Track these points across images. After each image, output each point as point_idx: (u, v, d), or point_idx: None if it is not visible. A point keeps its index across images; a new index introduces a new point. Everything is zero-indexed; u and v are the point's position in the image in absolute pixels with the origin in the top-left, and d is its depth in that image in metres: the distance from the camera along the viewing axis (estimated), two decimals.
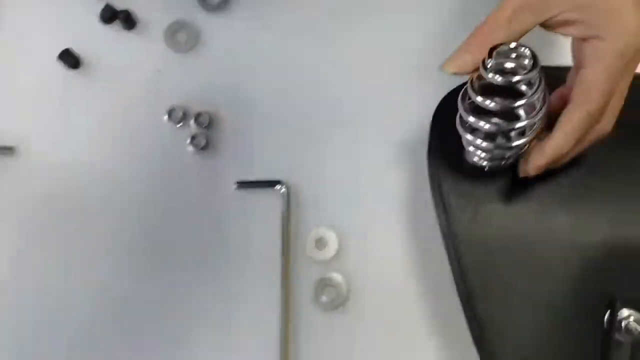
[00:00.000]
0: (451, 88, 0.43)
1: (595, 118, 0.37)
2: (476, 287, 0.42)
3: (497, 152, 0.40)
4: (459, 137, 0.41)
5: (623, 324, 0.41)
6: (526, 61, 0.35)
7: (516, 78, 0.35)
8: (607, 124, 0.39)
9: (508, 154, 0.40)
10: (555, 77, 0.40)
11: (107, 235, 0.48)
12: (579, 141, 0.38)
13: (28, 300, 0.47)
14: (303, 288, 0.47)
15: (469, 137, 0.39)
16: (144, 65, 0.51)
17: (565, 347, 0.42)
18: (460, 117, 0.39)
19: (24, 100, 0.50)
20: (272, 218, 0.48)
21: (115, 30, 0.51)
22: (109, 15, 0.50)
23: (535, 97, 0.36)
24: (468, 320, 0.42)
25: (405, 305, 0.47)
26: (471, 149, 0.41)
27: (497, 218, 0.43)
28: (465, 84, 0.38)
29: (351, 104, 0.51)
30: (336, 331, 0.46)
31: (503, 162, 0.42)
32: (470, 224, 0.42)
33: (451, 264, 0.42)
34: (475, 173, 0.44)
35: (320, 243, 0.48)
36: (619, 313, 0.41)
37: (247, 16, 0.52)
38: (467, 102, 0.38)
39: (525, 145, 0.39)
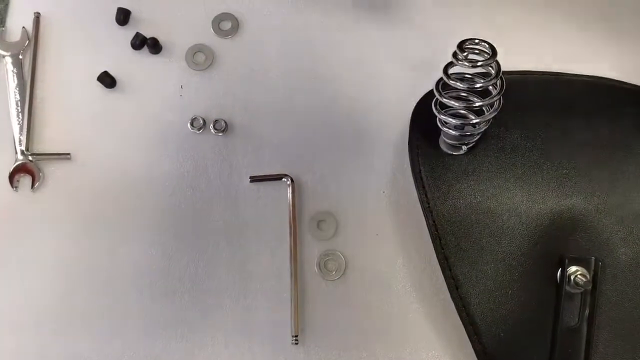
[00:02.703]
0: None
1: None
2: (451, 251, 0.45)
3: (467, 128, 0.44)
4: (433, 130, 0.47)
5: (572, 278, 0.44)
6: (487, 52, 0.42)
7: (480, 64, 0.41)
8: None
9: (476, 130, 0.45)
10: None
11: (144, 223, 0.51)
12: None
13: (80, 278, 0.50)
14: (308, 261, 0.50)
15: (449, 120, 0.44)
16: (169, 83, 0.54)
17: (524, 299, 0.44)
18: (438, 104, 0.45)
19: (73, 115, 0.53)
20: (281, 205, 0.51)
21: (144, 55, 0.55)
22: (139, 42, 0.54)
23: (493, 82, 0.42)
24: (446, 279, 0.45)
25: (395, 273, 0.50)
26: (449, 130, 0.45)
27: (466, 194, 0.46)
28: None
29: (347, 105, 0.53)
30: (337, 296, 0.49)
31: (472, 139, 0.46)
32: (444, 199, 0.46)
33: (431, 233, 0.46)
34: (447, 160, 0.47)
35: (321, 224, 0.51)
36: (568, 269, 0.44)
37: (253, 40, 0.55)
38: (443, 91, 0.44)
39: (488, 120, 0.44)
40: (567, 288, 0.45)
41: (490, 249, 0.45)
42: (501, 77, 0.43)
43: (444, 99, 0.44)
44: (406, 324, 0.49)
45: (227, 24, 0.56)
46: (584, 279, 0.44)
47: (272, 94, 0.54)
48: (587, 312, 0.44)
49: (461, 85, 0.43)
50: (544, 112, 0.49)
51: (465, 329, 0.45)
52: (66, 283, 0.50)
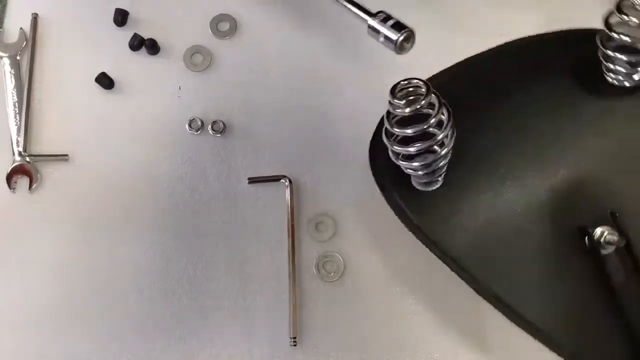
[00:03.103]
0: None
1: None
2: (483, 275, 0.43)
3: (434, 165, 0.41)
4: (399, 171, 0.43)
5: (601, 241, 0.42)
6: (422, 89, 0.38)
7: (421, 103, 0.38)
8: None
9: (440, 163, 0.41)
10: None
11: (142, 224, 0.51)
12: None
13: (79, 279, 0.50)
14: (307, 263, 0.50)
15: (404, 163, 0.41)
16: (167, 84, 0.54)
17: (571, 284, 0.43)
18: (392, 151, 0.41)
19: (71, 116, 0.53)
20: (279, 206, 0.51)
21: (142, 56, 0.55)
22: (137, 43, 0.54)
23: (440, 112, 0.38)
24: (488, 300, 0.44)
25: (393, 275, 0.50)
26: (411, 172, 0.42)
27: (467, 220, 0.43)
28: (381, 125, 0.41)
29: (345, 105, 0.54)
30: (335, 298, 0.49)
31: (443, 170, 0.42)
32: (452, 236, 0.43)
33: (455, 270, 0.44)
34: (429, 196, 0.44)
35: (320, 226, 0.51)
36: (594, 234, 0.43)
37: (250, 41, 0.56)
38: (391, 138, 0.40)
39: (448, 154, 0.40)
40: (602, 252, 0.43)
41: (516, 257, 0.44)
42: (444, 103, 0.39)
43: (397, 149, 0.40)
44: (405, 325, 0.49)
45: (225, 25, 0.56)
46: (613, 236, 0.42)
47: (270, 95, 0.54)
48: (629, 264, 0.43)
49: (410, 132, 0.39)
50: (489, 99, 0.47)
51: (537, 339, 0.44)
52: (64, 284, 0.50)
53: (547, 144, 0.45)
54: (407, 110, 0.38)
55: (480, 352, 0.49)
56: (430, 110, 0.38)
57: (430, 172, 0.41)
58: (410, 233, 0.49)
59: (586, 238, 0.44)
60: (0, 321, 0.50)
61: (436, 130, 0.39)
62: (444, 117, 0.39)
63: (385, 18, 0.47)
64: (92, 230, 0.51)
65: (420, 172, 0.41)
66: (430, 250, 0.45)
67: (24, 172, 0.52)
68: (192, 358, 0.49)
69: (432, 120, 0.38)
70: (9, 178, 0.52)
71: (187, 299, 0.50)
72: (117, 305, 0.50)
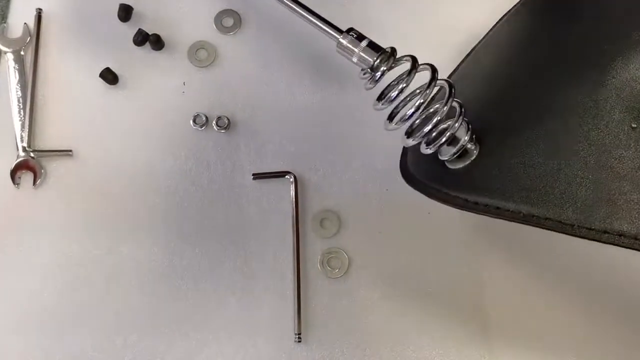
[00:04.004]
0: None
1: None
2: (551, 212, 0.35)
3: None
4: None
5: None
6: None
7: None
8: None
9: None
10: None
11: (146, 220, 0.51)
12: None
13: (83, 275, 0.50)
14: (311, 259, 0.50)
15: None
16: (171, 80, 0.54)
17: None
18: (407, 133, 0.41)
19: (75, 111, 0.53)
20: (284, 202, 0.51)
21: (146, 51, 0.54)
22: (141, 39, 0.54)
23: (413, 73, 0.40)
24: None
25: (398, 271, 0.50)
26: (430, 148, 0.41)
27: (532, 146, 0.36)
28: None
29: (350, 101, 0.53)
30: (340, 294, 0.50)
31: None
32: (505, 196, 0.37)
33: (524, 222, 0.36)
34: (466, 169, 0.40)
35: (324, 222, 0.51)
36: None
37: (255, 36, 0.55)
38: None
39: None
40: None
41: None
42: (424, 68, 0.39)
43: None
44: (409, 321, 0.49)
45: (229, 21, 0.56)
46: None
47: (274, 91, 0.54)
48: None
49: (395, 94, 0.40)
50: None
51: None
52: (68, 281, 0.50)
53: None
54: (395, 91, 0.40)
55: (483, 349, 0.49)
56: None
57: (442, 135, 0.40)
58: (415, 228, 0.51)
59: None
60: (5, 317, 0.50)
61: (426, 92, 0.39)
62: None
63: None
64: (96, 226, 0.51)
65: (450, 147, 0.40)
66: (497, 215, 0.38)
67: (28, 168, 0.52)
68: (196, 354, 0.49)
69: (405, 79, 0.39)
70: (13, 173, 0.52)
71: (191, 295, 0.50)
72: (121, 301, 0.50)
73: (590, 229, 0.35)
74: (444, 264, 0.50)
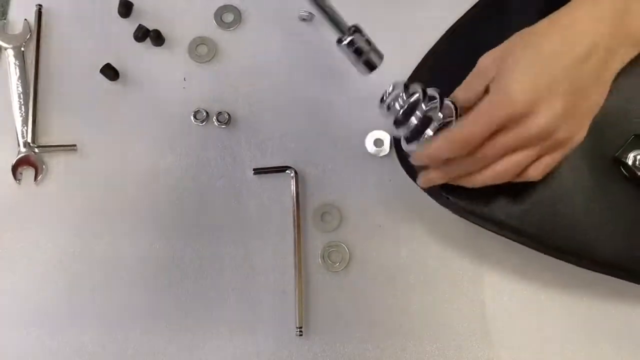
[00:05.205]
0: None
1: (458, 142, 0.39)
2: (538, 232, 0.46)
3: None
4: None
5: (637, 164, 0.45)
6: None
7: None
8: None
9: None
10: None
11: (148, 216, 0.51)
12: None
13: (85, 270, 0.50)
14: (312, 253, 0.50)
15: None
16: (172, 75, 0.54)
17: (628, 215, 0.45)
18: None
19: (75, 107, 0.53)
20: (285, 197, 0.51)
21: (147, 47, 0.55)
22: (142, 35, 0.54)
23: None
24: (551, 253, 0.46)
25: (399, 264, 0.50)
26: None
27: None
28: None
29: (350, 95, 0.53)
30: (340, 288, 0.50)
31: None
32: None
33: (512, 238, 0.46)
34: None
35: (325, 216, 0.51)
36: (627, 161, 0.45)
37: (255, 32, 0.56)
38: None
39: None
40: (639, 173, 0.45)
41: (565, 205, 0.46)
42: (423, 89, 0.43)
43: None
44: (410, 315, 0.50)
45: (229, 16, 0.56)
46: None
47: (275, 86, 0.55)
48: None
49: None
50: None
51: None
52: (70, 275, 0.50)
53: None
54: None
55: (484, 342, 0.49)
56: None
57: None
58: (415, 221, 0.51)
59: (620, 167, 0.46)
60: (7, 311, 0.50)
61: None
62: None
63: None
64: (97, 222, 0.52)
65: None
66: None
67: (29, 164, 0.52)
68: (198, 349, 0.49)
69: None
70: (15, 169, 0.52)
71: (192, 289, 0.50)
72: (123, 296, 0.50)
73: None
74: (444, 257, 0.50)
